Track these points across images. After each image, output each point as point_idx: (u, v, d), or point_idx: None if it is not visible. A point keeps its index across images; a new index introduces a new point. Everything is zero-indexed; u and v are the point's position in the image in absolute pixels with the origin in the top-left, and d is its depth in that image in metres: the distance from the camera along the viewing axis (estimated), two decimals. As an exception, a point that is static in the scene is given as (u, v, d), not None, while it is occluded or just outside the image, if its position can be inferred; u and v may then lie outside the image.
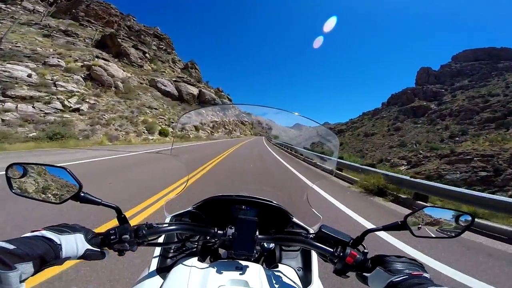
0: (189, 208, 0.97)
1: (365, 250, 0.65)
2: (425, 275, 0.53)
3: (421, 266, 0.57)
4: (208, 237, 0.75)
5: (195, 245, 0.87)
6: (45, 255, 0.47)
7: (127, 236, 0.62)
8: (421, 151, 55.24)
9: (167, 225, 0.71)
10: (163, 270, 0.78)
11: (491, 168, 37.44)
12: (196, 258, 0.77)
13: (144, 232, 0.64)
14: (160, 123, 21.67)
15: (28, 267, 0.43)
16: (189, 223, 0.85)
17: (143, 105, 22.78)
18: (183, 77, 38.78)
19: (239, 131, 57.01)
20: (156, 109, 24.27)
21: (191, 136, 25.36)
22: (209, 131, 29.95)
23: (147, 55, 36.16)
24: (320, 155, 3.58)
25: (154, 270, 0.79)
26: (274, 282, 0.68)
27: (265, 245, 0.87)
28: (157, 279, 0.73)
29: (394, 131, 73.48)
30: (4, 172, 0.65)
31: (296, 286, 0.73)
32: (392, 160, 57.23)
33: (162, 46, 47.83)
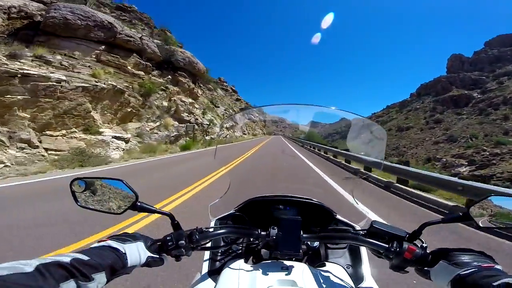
0: (232, 211, 0.99)
1: (424, 244, 0.63)
2: (497, 267, 0.49)
3: (491, 258, 0.53)
4: (251, 239, 0.77)
5: (240, 247, 0.89)
6: (114, 264, 0.48)
7: (183, 241, 0.63)
8: (484, 147, 45.00)
9: (216, 229, 0.73)
10: (213, 273, 0.80)
11: None
12: (242, 260, 0.78)
13: (197, 237, 0.66)
14: None
15: (102, 277, 0.44)
16: (234, 226, 0.84)
17: None
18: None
19: (242, 130, 42.68)
20: None
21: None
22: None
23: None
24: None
25: (206, 273, 0.82)
26: (321, 280, 0.67)
27: (309, 244, 0.87)
28: (209, 282, 0.76)
29: (435, 123, 63.14)
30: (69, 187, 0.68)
31: (345, 284, 0.71)
32: (444, 159, 46.71)
33: (125, 18, 20.56)
